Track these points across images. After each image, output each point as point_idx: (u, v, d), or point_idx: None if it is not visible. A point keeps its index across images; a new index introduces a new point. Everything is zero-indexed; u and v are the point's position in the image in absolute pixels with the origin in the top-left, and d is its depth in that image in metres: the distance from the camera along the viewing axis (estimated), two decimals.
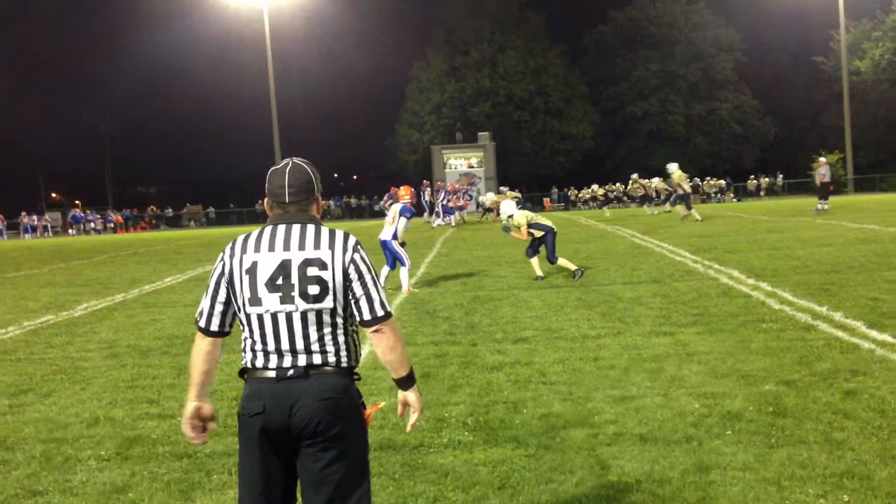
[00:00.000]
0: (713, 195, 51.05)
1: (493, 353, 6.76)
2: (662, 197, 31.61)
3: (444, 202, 31.19)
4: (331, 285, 2.59)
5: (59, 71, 73.52)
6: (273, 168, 2.72)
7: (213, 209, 61.50)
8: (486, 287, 11.18)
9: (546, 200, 51.04)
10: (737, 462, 4.03)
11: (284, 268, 2.56)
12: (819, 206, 26.56)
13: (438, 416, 5.03)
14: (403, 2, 75.74)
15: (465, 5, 64.41)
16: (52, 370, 7.02)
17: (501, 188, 32.87)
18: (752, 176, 55.81)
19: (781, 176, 55.70)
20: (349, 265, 2.63)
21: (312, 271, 2.56)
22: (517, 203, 15.41)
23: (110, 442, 4.86)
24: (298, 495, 2.64)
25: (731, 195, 52.31)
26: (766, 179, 54.72)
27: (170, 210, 61.65)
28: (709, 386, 5.42)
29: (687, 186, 24.31)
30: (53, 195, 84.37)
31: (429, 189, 35.56)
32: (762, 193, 53.06)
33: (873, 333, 6.71)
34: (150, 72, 69.08)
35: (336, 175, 70.58)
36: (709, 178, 53.75)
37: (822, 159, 28.47)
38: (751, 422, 4.64)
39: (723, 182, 52.80)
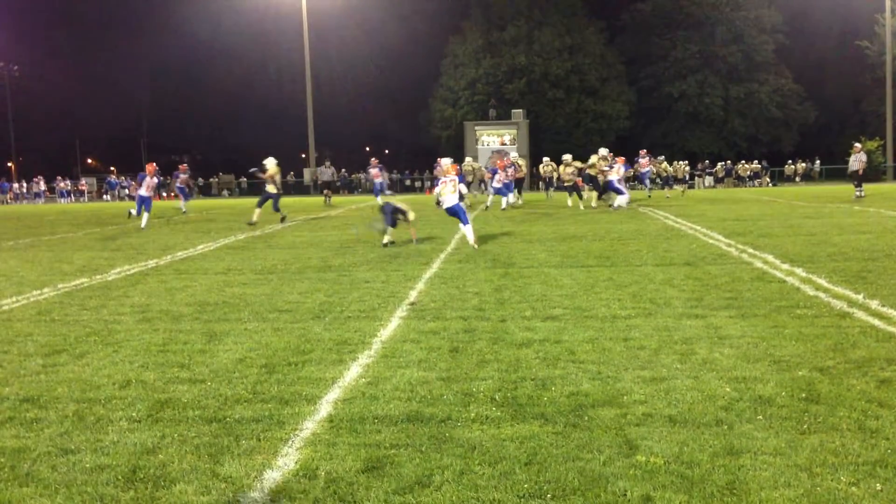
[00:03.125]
0: (748, 179, 50.36)
1: (522, 330, 6.73)
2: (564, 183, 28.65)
3: (497, 181, 25.82)
4: None
5: (98, 39, 74.07)
6: None
7: (245, 179, 61.88)
8: (517, 264, 11.14)
9: (578, 179, 50.79)
10: (768, 447, 3.97)
11: None
12: (857, 193, 26.10)
13: (466, 391, 5.02)
14: None
15: None
16: (86, 332, 7.12)
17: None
18: (790, 161, 54.90)
19: (819, 161, 54.75)
20: None
21: None
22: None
23: (141, 404, 4.92)
24: None
25: (767, 179, 51.55)
26: (804, 164, 53.83)
27: (200, 179, 62.11)
28: (740, 370, 5.35)
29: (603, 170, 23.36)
30: (89, 161, 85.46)
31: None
32: (798, 179, 52.25)
33: None
34: (187, 42, 69.43)
35: (368, 149, 70.44)
36: (743, 161, 52.99)
37: (858, 145, 27.83)
38: (783, 407, 4.57)
39: (757, 165, 52.04)
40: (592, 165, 24.42)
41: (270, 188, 20.33)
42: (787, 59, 64.38)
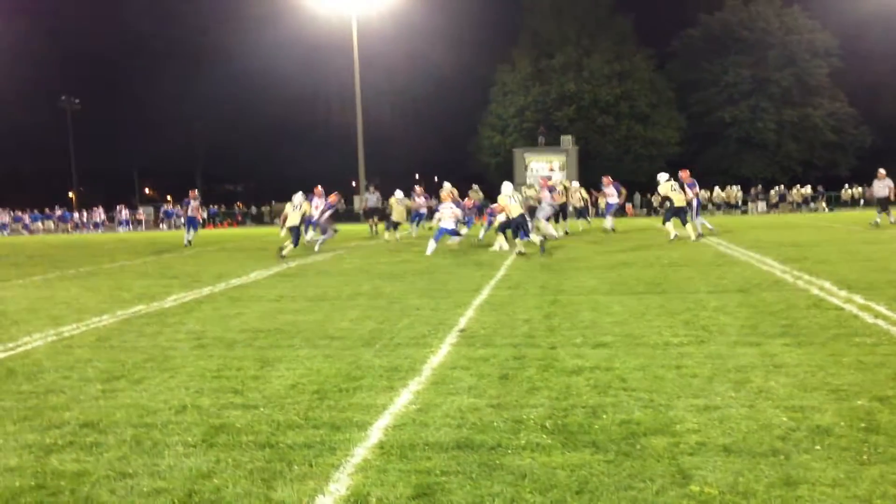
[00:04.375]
0: (803, 204, 49.49)
1: (573, 357, 6.69)
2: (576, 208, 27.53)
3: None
4: None
5: (155, 71, 76.20)
6: None
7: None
8: (566, 291, 11.09)
9: (629, 206, 50.61)
10: (826, 478, 3.88)
11: None
12: (878, 220, 25.72)
13: (517, 418, 5.01)
14: (489, 4, 75.94)
15: (552, 8, 64.09)
16: (143, 358, 7.28)
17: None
18: (847, 185, 53.77)
19: None
20: None
21: None
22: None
23: (197, 429, 5.01)
24: None
25: (823, 204, 50.58)
26: (861, 189, 52.70)
27: (254, 208, 63.15)
28: (797, 399, 5.24)
29: (678, 197, 21.39)
30: (147, 190, 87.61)
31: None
32: (863, 203, 51.15)
33: None
34: (240, 73, 71.00)
35: (417, 176, 70.91)
36: (798, 186, 52.09)
37: (882, 171, 27.31)
38: (841, 437, 4.47)
39: (808, 191, 51.09)
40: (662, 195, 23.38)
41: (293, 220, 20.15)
42: (842, 83, 63.25)
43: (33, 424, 5.23)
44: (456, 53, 70.61)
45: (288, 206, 20.86)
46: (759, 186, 54.13)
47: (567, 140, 53.08)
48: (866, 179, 54.37)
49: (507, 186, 18.60)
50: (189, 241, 26.09)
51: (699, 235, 20.92)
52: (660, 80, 64.50)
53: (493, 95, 66.24)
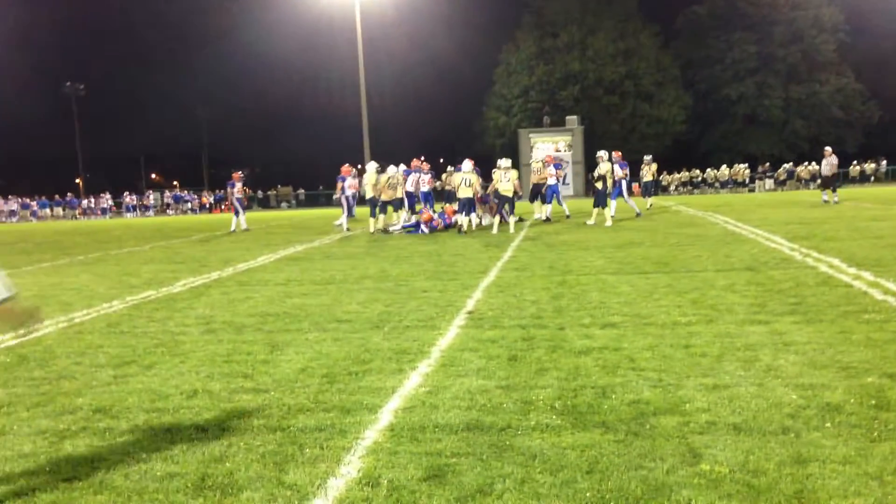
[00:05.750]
0: (810, 181, 49.20)
1: (581, 338, 6.70)
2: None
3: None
4: None
5: (159, 56, 76.09)
6: None
7: (302, 191, 62.77)
8: (574, 272, 11.08)
9: (635, 185, 50.56)
10: (836, 455, 3.89)
11: None
12: (826, 198, 26.34)
13: (526, 399, 5.02)
14: None
15: None
16: (154, 343, 7.31)
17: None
18: (855, 161, 53.43)
19: (885, 162, 53.19)
20: None
21: None
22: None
23: (208, 413, 5.04)
24: None
25: None
26: (871, 165, 52.38)
27: (260, 192, 63.22)
28: (807, 377, 5.25)
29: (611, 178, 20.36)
30: (153, 176, 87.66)
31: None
32: (872, 179, 50.89)
33: None
34: (243, 56, 70.90)
35: (423, 158, 70.82)
36: (806, 163, 51.77)
37: (828, 149, 27.30)
38: (851, 414, 4.47)
39: (816, 167, 50.76)
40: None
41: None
42: (849, 58, 62.70)
43: (46, 410, 5.27)
44: (459, 34, 70.27)
45: (383, 178, 20.94)
46: (768, 164, 53.84)
47: (572, 120, 52.78)
48: (874, 156, 54.14)
49: (467, 163, 19.87)
50: (240, 227, 24.56)
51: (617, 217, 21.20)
52: (665, 57, 64.04)
53: (497, 76, 65.90)
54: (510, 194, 19.44)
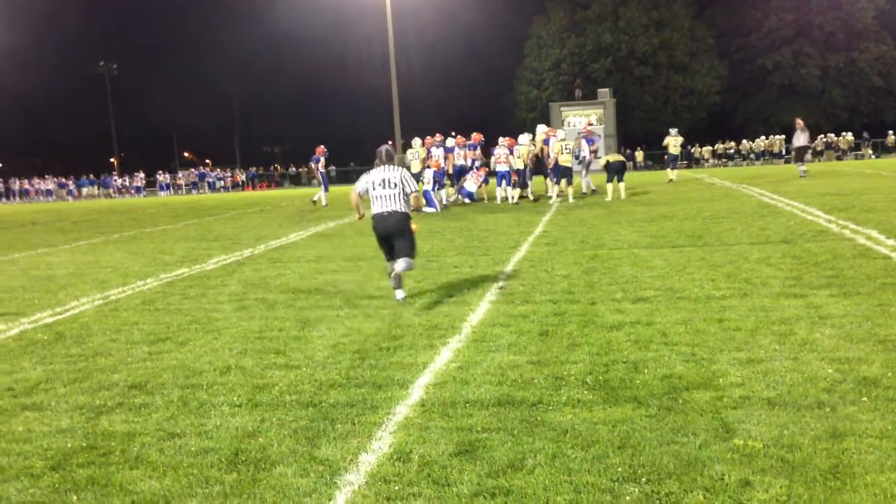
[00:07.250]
0: (848, 151, 48.29)
1: (613, 313, 6.65)
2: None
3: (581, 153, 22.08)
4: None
5: (190, 35, 76.42)
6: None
7: (333, 168, 62.88)
8: (606, 246, 11.00)
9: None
10: (873, 430, 3.82)
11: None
12: (802, 172, 26.06)
13: (557, 374, 5.00)
14: None
15: None
16: (187, 320, 7.39)
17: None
18: (893, 131, 52.24)
19: None
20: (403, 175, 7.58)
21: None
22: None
23: (241, 389, 5.09)
24: None
25: (870, 151, 49.26)
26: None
27: (293, 169, 63.46)
28: (843, 350, 5.16)
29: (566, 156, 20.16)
30: (186, 154, 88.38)
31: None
32: None
33: None
34: (275, 35, 70.92)
35: (453, 133, 70.62)
36: (844, 133, 50.70)
37: (800, 121, 26.82)
38: (889, 388, 4.39)
39: (851, 137, 49.68)
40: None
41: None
42: (889, 26, 61.09)
43: (83, 386, 5.36)
44: (489, 7, 69.53)
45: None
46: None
47: (604, 93, 52.16)
48: None
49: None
50: (320, 203, 24.14)
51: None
52: (699, 27, 62.92)
53: (527, 49, 65.26)
54: (569, 164, 20.36)
